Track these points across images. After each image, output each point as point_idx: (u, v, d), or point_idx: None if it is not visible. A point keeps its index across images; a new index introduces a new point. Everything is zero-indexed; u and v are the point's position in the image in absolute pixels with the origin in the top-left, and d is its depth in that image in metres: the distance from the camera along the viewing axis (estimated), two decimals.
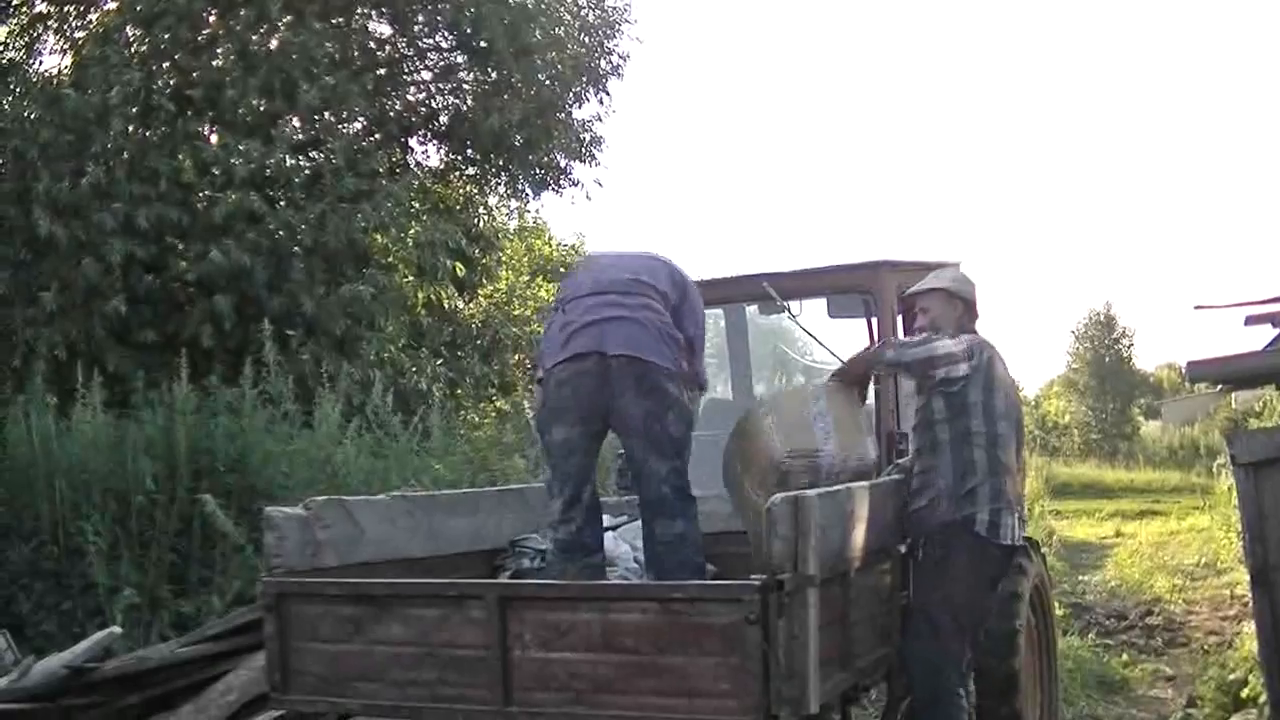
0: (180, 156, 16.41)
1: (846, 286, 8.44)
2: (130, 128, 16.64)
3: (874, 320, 8.34)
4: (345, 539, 6.52)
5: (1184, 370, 8.09)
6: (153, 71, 17.33)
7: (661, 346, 6.57)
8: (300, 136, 18.11)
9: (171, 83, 17.54)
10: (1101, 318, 67.70)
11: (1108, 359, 66.39)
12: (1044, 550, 11.48)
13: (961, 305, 7.34)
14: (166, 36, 17.33)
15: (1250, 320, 7.93)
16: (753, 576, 5.14)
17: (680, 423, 6.57)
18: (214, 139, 17.47)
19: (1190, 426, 49.17)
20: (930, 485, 6.87)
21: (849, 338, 8.56)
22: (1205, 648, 13.57)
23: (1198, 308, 8.33)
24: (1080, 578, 20.16)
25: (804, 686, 5.13)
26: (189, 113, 17.17)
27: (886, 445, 8.01)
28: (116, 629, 9.10)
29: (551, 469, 6.87)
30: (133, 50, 17.54)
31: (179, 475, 11.17)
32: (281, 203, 16.94)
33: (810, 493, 5.36)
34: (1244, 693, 10.53)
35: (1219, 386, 8.78)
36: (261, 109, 17.21)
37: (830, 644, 5.58)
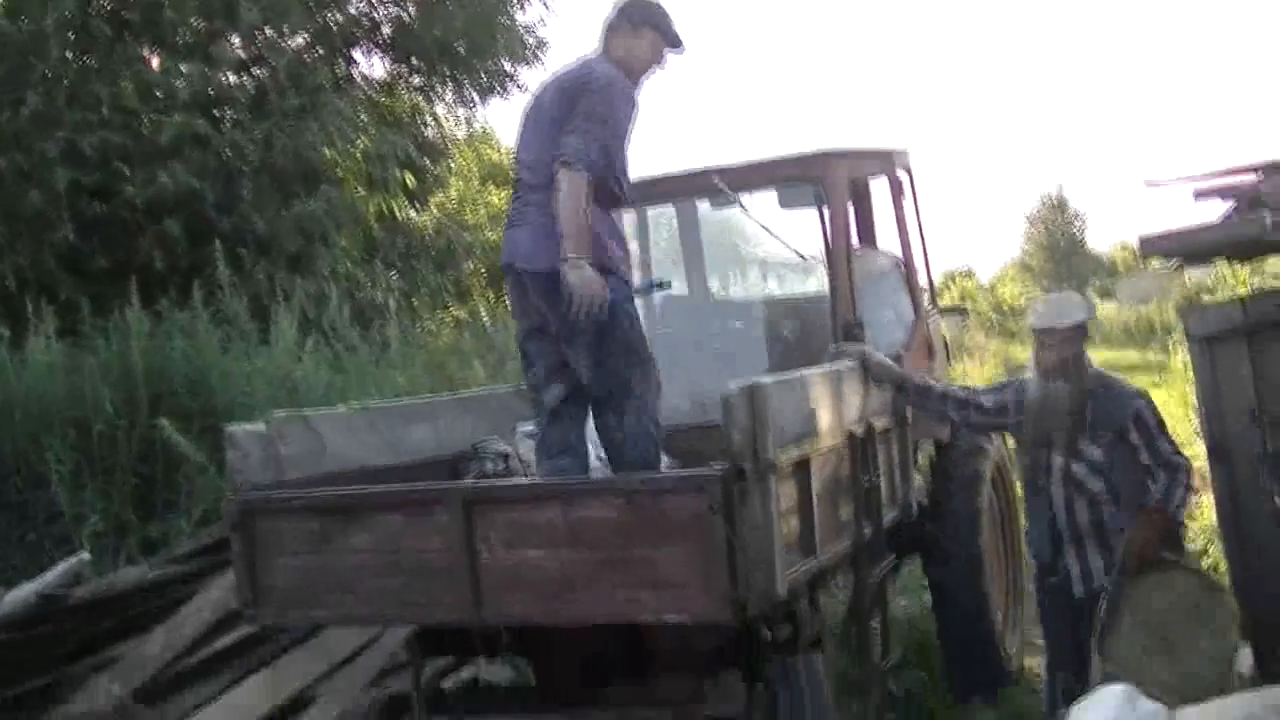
0: (121, 81, 16.27)
1: (796, 177, 8.42)
2: (69, 54, 16.50)
3: (824, 209, 8.34)
4: (307, 453, 6.51)
5: (1136, 246, 8.11)
6: None
7: (555, 245, 6.25)
8: (242, 55, 17.96)
9: (108, 6, 17.34)
10: (1054, 200, 68.06)
11: (1061, 241, 66.78)
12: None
13: (1084, 333, 7.32)
14: None
15: (1200, 194, 7.95)
16: (714, 465, 5.17)
17: (597, 318, 6.25)
18: (155, 62, 17.31)
19: (1145, 305, 49.41)
20: None
21: (800, 227, 8.55)
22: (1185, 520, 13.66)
23: (1148, 184, 8.33)
24: None
25: (770, 573, 5.16)
26: (128, 36, 17.00)
27: (844, 333, 8.03)
28: (85, 555, 9.10)
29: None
30: None
31: (138, 400, 11.14)
32: (227, 123, 16.82)
33: (766, 380, 5.38)
34: (1204, 562, 10.66)
35: (1173, 264, 8.81)
36: (201, 29, 17.04)
37: (795, 531, 5.61)
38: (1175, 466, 6.99)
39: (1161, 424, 7.11)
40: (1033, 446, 7.23)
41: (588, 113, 6.23)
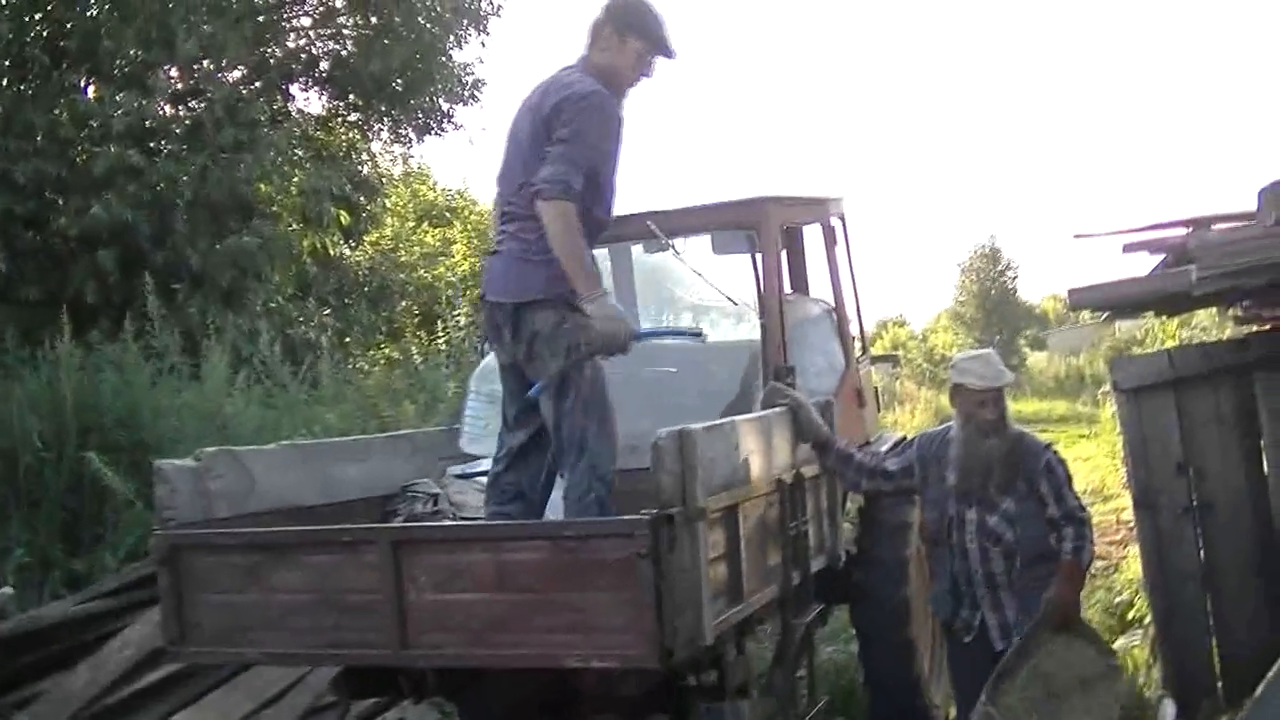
0: (57, 110, 16.20)
1: (730, 223, 8.45)
2: (4, 81, 16.40)
3: (758, 256, 8.37)
4: (237, 489, 6.48)
5: (1066, 298, 8.21)
6: (25, 23, 17.03)
7: (526, 276, 6.18)
8: (179, 86, 17.91)
9: (45, 34, 17.26)
10: (987, 250, 68.30)
11: (994, 291, 67.02)
12: None
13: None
14: None
15: (1128, 248, 8.05)
16: (643, 511, 5.17)
17: (555, 355, 6.15)
18: (91, 91, 17.24)
19: (1076, 356, 49.78)
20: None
21: (734, 273, 8.58)
22: (1092, 572, 13.76)
23: (1077, 236, 8.44)
24: None
25: (697, 619, 5.17)
26: (64, 65, 16.93)
27: (774, 379, 8.06)
28: (8, 589, 9.04)
29: None
30: (3, 1, 17.22)
31: (66, 432, 11.07)
32: (162, 155, 16.76)
33: (696, 426, 5.39)
34: (1130, 614, 10.73)
35: (1103, 316, 8.90)
36: (139, 59, 16.99)
37: (722, 577, 5.62)
38: (1082, 521, 7.03)
39: (1069, 477, 7.14)
40: (946, 501, 7.17)
41: (567, 136, 6.04)
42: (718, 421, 5.89)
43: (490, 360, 7.85)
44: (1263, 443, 8.06)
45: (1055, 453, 7.16)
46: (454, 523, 6.86)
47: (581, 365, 6.15)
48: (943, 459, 7.17)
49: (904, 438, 10.41)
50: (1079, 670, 6.86)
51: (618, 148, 6.28)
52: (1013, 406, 7.39)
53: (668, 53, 6.46)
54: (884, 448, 7.83)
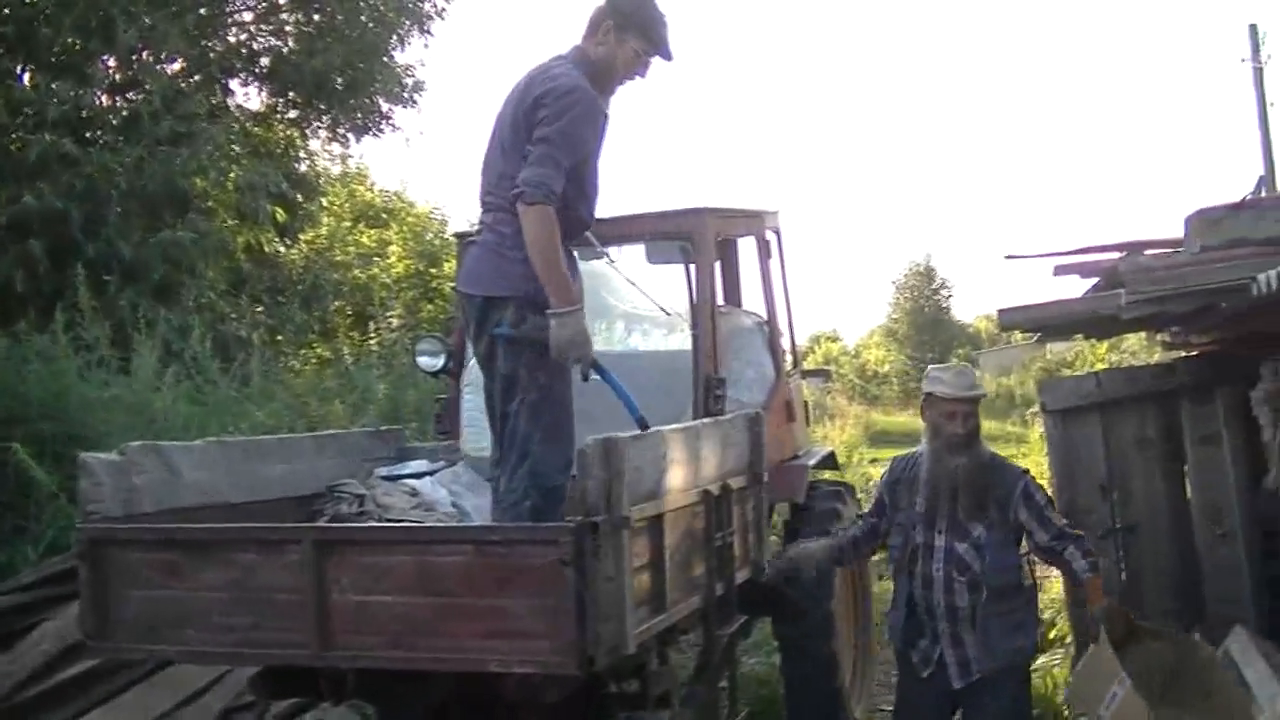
0: None
1: (665, 232, 8.45)
2: None
3: (692, 267, 8.39)
4: (161, 485, 6.43)
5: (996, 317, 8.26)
6: None
7: (497, 270, 6.12)
8: (117, 77, 17.79)
9: None
10: (922, 269, 68.78)
11: (927, 309, 67.53)
12: (860, 496, 11.67)
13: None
14: None
15: (1059, 270, 8.12)
16: (567, 518, 5.17)
17: (512, 357, 6.10)
18: (26, 79, 17.11)
19: (1007, 376, 50.12)
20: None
21: (668, 283, 8.59)
22: None
23: (1009, 257, 8.51)
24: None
25: (620, 628, 5.17)
26: (2, 51, 16.79)
27: (705, 390, 8.07)
28: None
29: None
30: None
31: None
32: (98, 145, 16.64)
33: (623, 435, 5.39)
34: (1051, 633, 10.81)
35: (1034, 337, 8.96)
36: (77, 48, 16.86)
37: (646, 586, 5.62)
38: (1079, 536, 6.87)
39: (1049, 500, 6.96)
40: (914, 526, 6.99)
41: (546, 137, 5.93)
42: (644, 431, 5.89)
43: None
44: (1186, 467, 8.13)
45: (1031, 478, 6.93)
46: (378, 524, 6.83)
47: (535, 368, 6.08)
48: (914, 481, 7.01)
49: (831, 452, 10.47)
50: (1185, 668, 6.73)
51: (600, 145, 6.21)
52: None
53: (666, 56, 6.40)
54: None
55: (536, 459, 6.05)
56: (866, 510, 7.48)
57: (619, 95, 6.35)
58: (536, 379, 6.10)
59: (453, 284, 9.98)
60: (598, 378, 6.21)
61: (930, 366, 7.40)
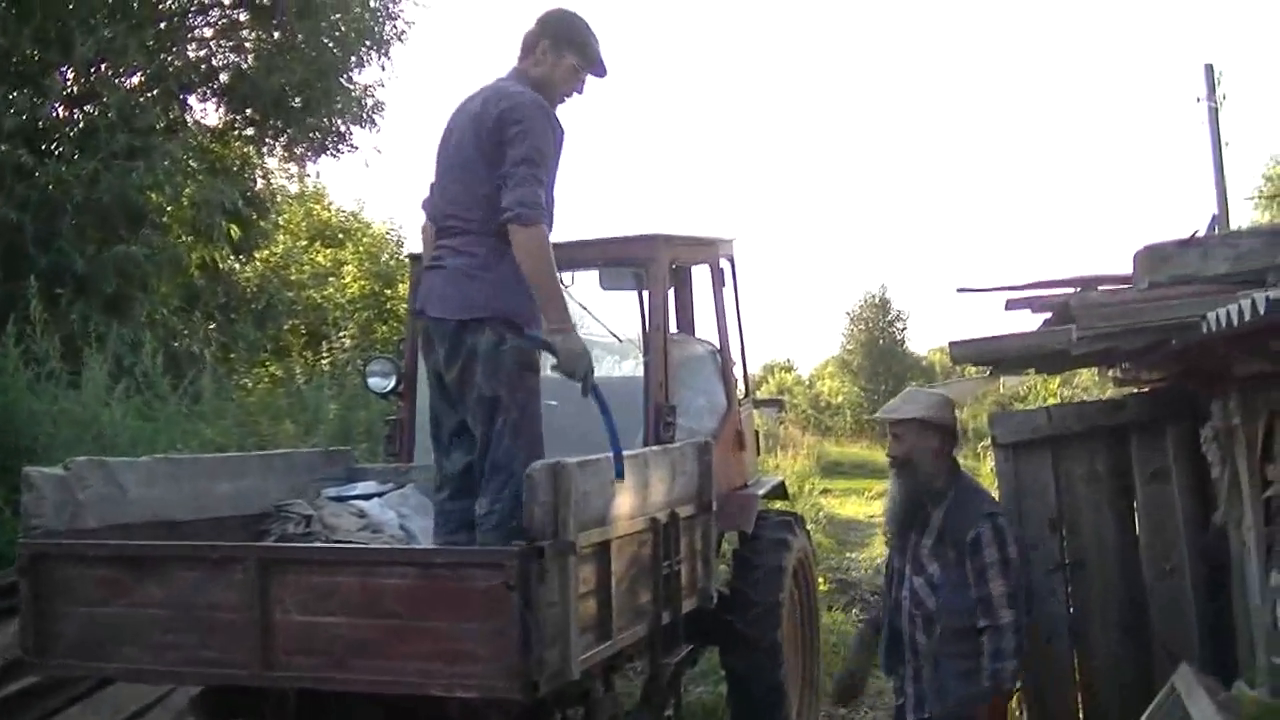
0: None
1: (619, 259, 8.46)
2: None
3: (645, 294, 8.39)
4: (106, 500, 6.38)
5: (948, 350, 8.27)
6: None
7: (470, 293, 6.08)
8: (75, 89, 17.72)
9: None
10: (876, 300, 68.83)
11: (881, 341, 67.53)
12: (810, 527, 11.68)
13: (938, 434, 6.96)
14: None
15: (1010, 305, 8.14)
16: (513, 543, 5.16)
17: (492, 379, 6.04)
18: None
19: (960, 410, 50.24)
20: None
21: (621, 309, 8.60)
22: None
23: (960, 290, 8.50)
24: (847, 555, 20.54)
25: (565, 653, 5.16)
26: None
27: (655, 417, 8.06)
28: None
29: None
30: None
31: None
32: (54, 157, 16.56)
33: (570, 460, 5.38)
34: None
35: (988, 371, 8.98)
36: (35, 58, 16.78)
37: (592, 613, 5.61)
38: (998, 627, 6.53)
39: (1003, 560, 6.60)
40: (890, 550, 7.08)
41: (524, 156, 5.95)
42: (593, 456, 5.87)
43: None
44: (1135, 503, 8.15)
45: (995, 524, 6.69)
46: (324, 544, 6.80)
47: (515, 388, 6.08)
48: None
49: (781, 482, 10.47)
50: None
51: (558, 162, 6.22)
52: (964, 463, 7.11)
53: (600, 71, 6.46)
54: None
55: (520, 479, 5.84)
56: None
57: (565, 117, 6.35)
58: (517, 398, 6.10)
59: (406, 305, 9.97)
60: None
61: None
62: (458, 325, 6.09)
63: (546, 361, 6.28)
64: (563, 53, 6.31)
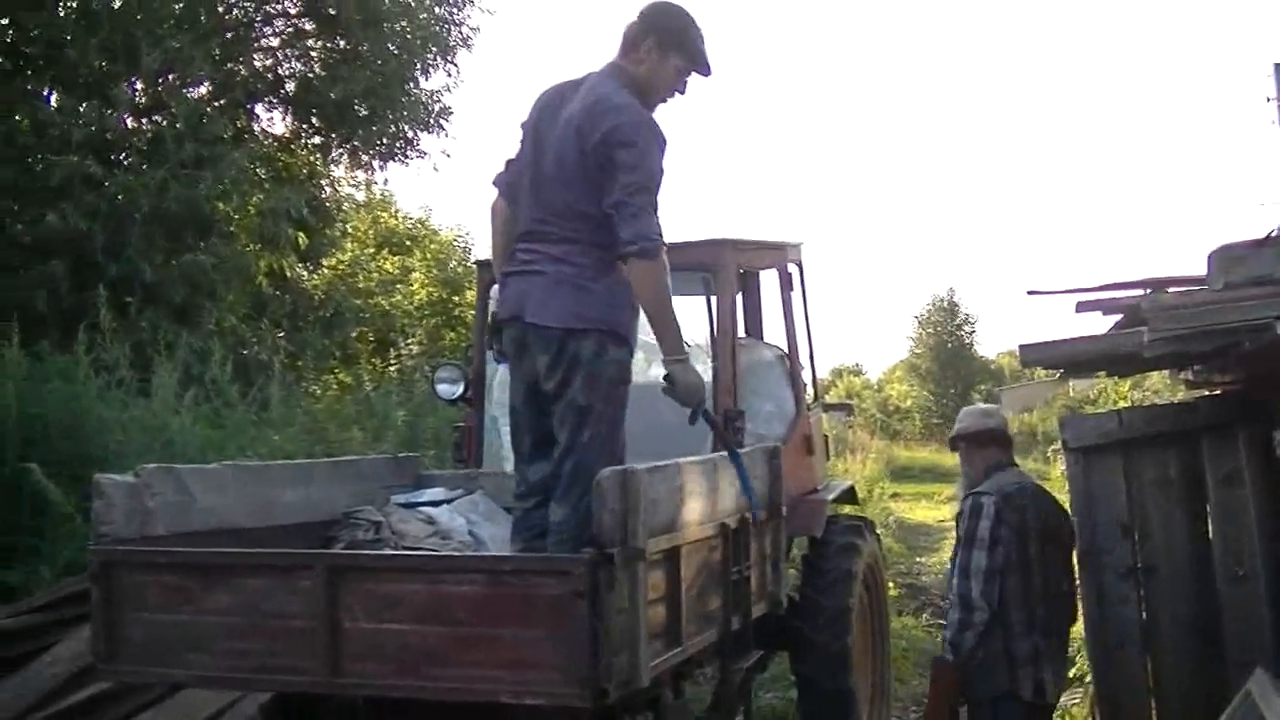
0: (18, 116, 16.09)
1: (687, 264, 8.40)
2: None
3: (713, 299, 8.36)
4: (176, 507, 6.40)
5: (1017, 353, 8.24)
6: None
7: (581, 302, 6.02)
8: (142, 100, 17.83)
9: (9, 40, 17.17)
10: (945, 303, 68.66)
11: (950, 344, 67.37)
12: (880, 531, 11.62)
13: (964, 442, 7.51)
14: None
15: (1081, 307, 8.06)
16: (582, 550, 5.14)
17: (590, 389, 6.01)
18: (53, 100, 17.16)
19: (1029, 413, 49.97)
20: None
21: (689, 314, 8.57)
22: None
23: (1031, 293, 8.43)
24: (917, 559, 20.47)
25: (634, 661, 5.13)
26: (28, 71, 16.84)
27: (724, 423, 8.03)
28: None
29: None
30: None
31: (8, 441, 10.94)
32: (122, 167, 16.67)
33: (640, 466, 5.35)
34: (1071, 672, 10.72)
35: (1058, 374, 8.92)
36: (103, 69, 16.90)
37: (661, 619, 5.58)
38: (958, 600, 6.99)
39: (969, 535, 7.02)
40: None
41: (641, 185, 5.88)
42: (662, 462, 5.85)
43: (504, 376, 7.77)
44: (1207, 507, 8.07)
45: (979, 500, 7.09)
46: (392, 552, 6.80)
47: (609, 401, 6.08)
48: None
49: (851, 486, 10.43)
50: None
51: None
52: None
53: (706, 71, 6.33)
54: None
55: (575, 495, 6.00)
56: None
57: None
58: (609, 411, 6.09)
59: (474, 311, 9.95)
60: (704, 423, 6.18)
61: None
62: (564, 333, 6.02)
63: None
64: (668, 52, 6.18)
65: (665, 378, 6.05)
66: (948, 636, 7.01)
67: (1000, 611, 6.90)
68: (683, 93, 6.33)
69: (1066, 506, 7.99)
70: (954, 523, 7.41)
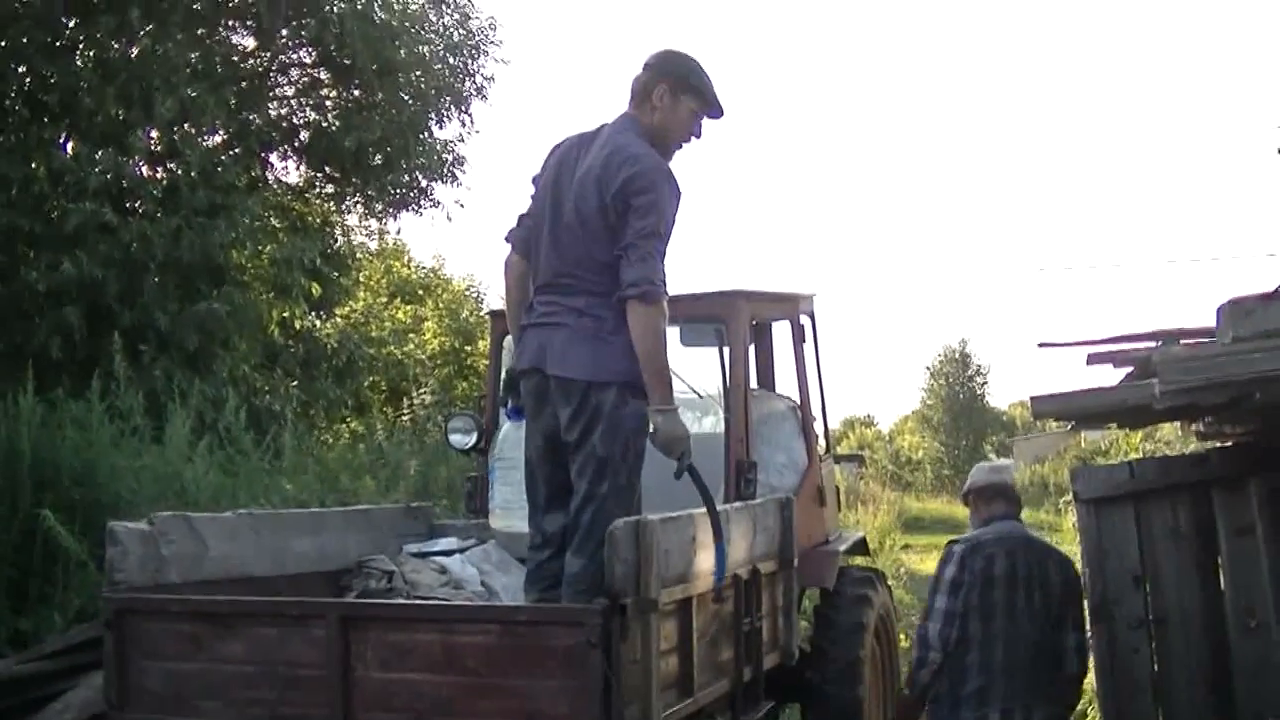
0: (34, 164, 16.15)
1: (700, 315, 8.44)
2: None
3: (726, 350, 8.38)
4: (189, 555, 6.44)
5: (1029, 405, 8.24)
6: (6, 74, 17.02)
7: (601, 355, 6.02)
8: (157, 148, 17.91)
9: (26, 87, 17.26)
10: (957, 355, 68.67)
11: (962, 395, 67.39)
12: (892, 583, 11.61)
13: (988, 500, 7.74)
14: (24, 40, 17.00)
15: (1092, 359, 8.07)
16: (595, 600, 5.15)
17: (610, 440, 6.00)
18: (69, 147, 17.23)
19: (1041, 464, 49.91)
20: None
21: (701, 365, 8.58)
22: None
23: (1042, 345, 8.45)
24: None
25: (646, 710, 5.15)
26: (44, 119, 16.92)
27: (736, 474, 8.05)
28: None
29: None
30: None
31: (21, 487, 10.96)
32: (137, 215, 16.73)
33: (654, 517, 5.37)
34: None
35: (1069, 425, 8.93)
36: (118, 118, 16.97)
37: (673, 670, 5.60)
38: (918, 640, 7.38)
39: (937, 578, 7.40)
40: None
41: (651, 230, 5.92)
42: (674, 513, 5.86)
43: (509, 431, 7.79)
44: (1219, 558, 8.07)
45: (948, 549, 7.51)
46: (405, 601, 6.81)
47: (628, 452, 6.06)
48: None
49: (862, 538, 10.43)
50: None
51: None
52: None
53: (718, 113, 6.37)
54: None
55: (590, 546, 5.95)
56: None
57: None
58: (628, 461, 6.08)
59: (486, 361, 9.98)
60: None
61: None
62: (586, 385, 6.02)
63: None
64: (680, 97, 6.22)
65: (651, 426, 5.99)
66: (915, 677, 7.36)
67: (956, 652, 7.15)
68: (699, 136, 6.36)
69: (1075, 557, 8.01)
70: None
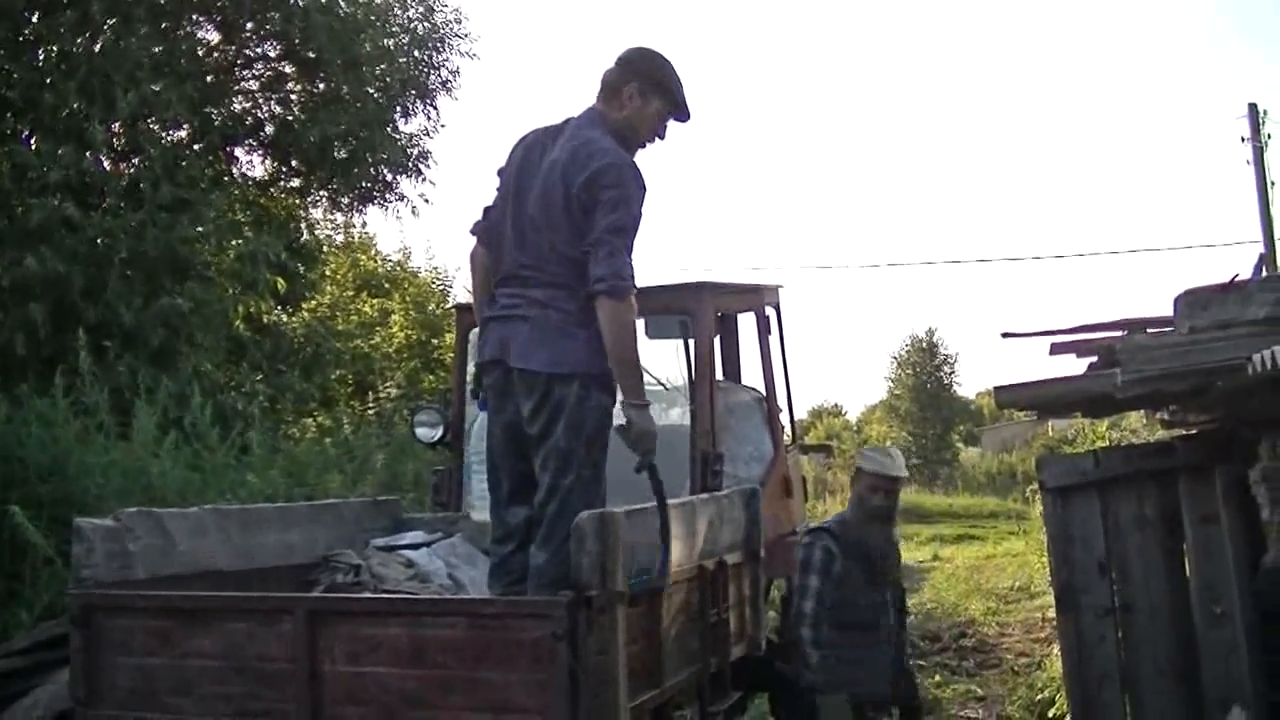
0: None
1: (665, 307, 8.46)
2: None
3: (691, 342, 8.39)
4: (156, 551, 6.41)
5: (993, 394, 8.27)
6: None
7: (565, 347, 6.00)
8: (120, 143, 17.84)
9: None
10: (924, 344, 68.69)
11: (929, 385, 67.37)
12: None
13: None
14: None
15: (1055, 349, 8.11)
16: (561, 593, 5.16)
17: (573, 433, 5.99)
18: (32, 142, 17.16)
19: (1008, 453, 50.10)
20: None
21: (667, 357, 8.60)
22: (1015, 669, 13.89)
23: (1005, 335, 8.49)
24: None
25: (613, 703, 5.15)
26: (8, 115, 16.86)
27: (702, 465, 8.06)
28: None
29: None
30: None
31: None
32: (100, 210, 16.67)
33: (618, 510, 5.38)
34: (1050, 712, 10.76)
35: (1036, 415, 8.97)
36: (81, 113, 16.90)
37: (640, 661, 5.61)
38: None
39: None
40: (870, 586, 7.73)
41: (619, 225, 5.90)
42: (639, 505, 5.87)
43: (484, 423, 7.78)
44: (1185, 546, 8.11)
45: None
46: (373, 595, 6.81)
47: (592, 445, 6.05)
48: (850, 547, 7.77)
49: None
50: None
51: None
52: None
53: (685, 116, 6.37)
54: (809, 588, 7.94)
55: (555, 540, 5.96)
56: (818, 587, 7.83)
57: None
58: (592, 455, 6.07)
59: (452, 355, 9.97)
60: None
61: (864, 448, 8.26)
62: (548, 378, 6.02)
63: None
64: (650, 97, 6.23)
65: (622, 421, 6.01)
66: None
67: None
68: (663, 137, 6.36)
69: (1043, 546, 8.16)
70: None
